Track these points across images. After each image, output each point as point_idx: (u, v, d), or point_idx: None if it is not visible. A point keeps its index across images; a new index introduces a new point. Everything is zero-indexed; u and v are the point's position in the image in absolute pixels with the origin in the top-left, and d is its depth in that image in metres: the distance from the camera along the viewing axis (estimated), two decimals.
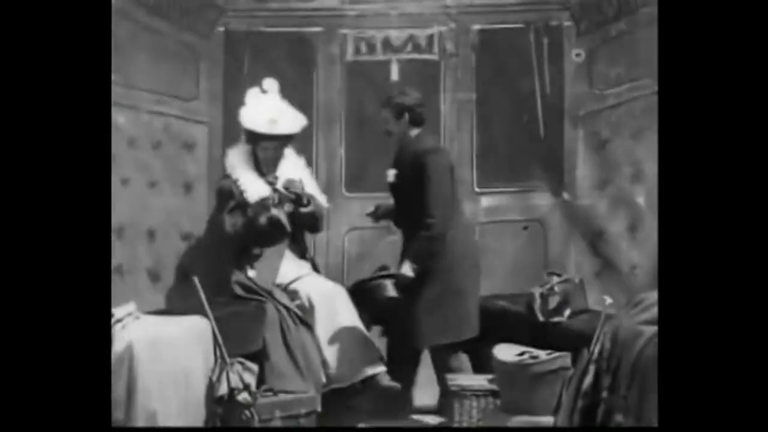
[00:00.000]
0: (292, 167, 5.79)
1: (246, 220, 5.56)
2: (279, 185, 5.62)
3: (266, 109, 5.67)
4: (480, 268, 5.70)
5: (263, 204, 5.56)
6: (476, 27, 6.42)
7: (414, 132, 5.61)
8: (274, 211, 5.55)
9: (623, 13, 6.31)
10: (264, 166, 5.70)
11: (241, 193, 5.60)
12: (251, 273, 5.59)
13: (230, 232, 5.59)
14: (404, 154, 5.60)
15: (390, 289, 5.50)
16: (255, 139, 5.67)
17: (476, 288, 5.65)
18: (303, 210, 5.63)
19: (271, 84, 5.71)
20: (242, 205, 5.59)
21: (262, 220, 5.54)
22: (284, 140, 5.71)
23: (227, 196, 5.63)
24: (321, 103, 6.36)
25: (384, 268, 5.70)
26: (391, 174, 5.63)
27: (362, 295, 5.62)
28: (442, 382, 5.55)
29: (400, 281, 5.48)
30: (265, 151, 5.68)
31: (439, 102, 6.43)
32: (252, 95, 5.70)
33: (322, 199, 5.82)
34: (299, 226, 5.74)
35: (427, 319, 5.49)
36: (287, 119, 5.70)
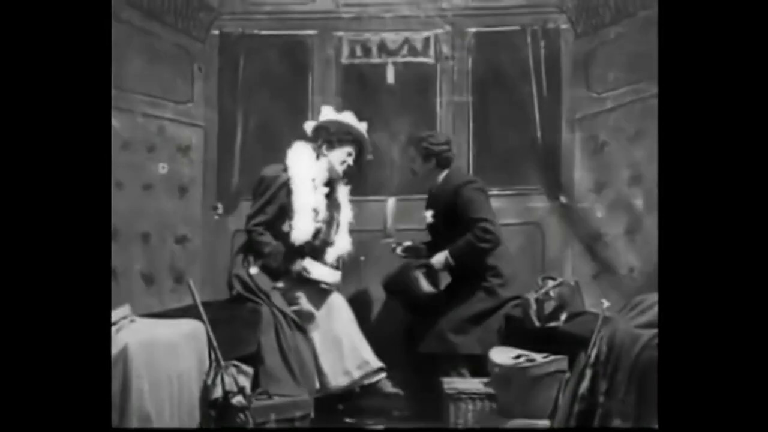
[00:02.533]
0: (343, 197, 5.86)
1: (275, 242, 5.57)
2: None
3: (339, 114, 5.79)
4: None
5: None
6: (472, 30, 6.41)
7: (442, 174, 5.74)
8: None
9: (621, 16, 6.29)
10: (324, 178, 5.70)
11: (290, 193, 5.57)
12: (253, 271, 5.57)
13: (254, 237, 5.59)
14: (437, 195, 5.75)
15: (424, 284, 5.58)
16: (342, 137, 5.71)
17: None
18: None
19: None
20: (284, 206, 5.56)
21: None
22: (360, 146, 5.80)
23: (272, 191, 5.59)
24: (316, 106, 6.32)
25: (411, 249, 5.81)
26: (429, 215, 5.77)
27: (396, 290, 5.69)
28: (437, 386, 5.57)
29: (430, 272, 5.60)
30: (342, 162, 5.73)
31: (435, 105, 6.42)
32: (324, 110, 5.82)
33: (345, 244, 5.89)
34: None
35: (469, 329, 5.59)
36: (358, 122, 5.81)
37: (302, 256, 5.62)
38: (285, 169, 5.59)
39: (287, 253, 5.57)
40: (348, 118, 5.75)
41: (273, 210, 5.54)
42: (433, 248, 5.77)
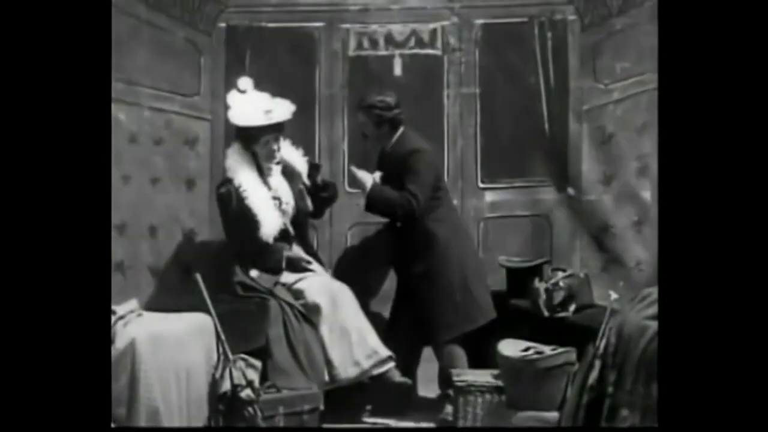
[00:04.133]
0: (295, 158, 5.80)
1: (254, 245, 5.57)
2: (279, 179, 5.66)
3: (254, 103, 5.64)
4: (478, 255, 5.95)
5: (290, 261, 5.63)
6: (479, 21, 6.39)
7: (395, 134, 5.70)
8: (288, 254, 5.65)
9: (628, 7, 6.28)
10: (265, 162, 5.66)
11: (243, 200, 5.55)
12: (254, 273, 5.57)
13: (236, 249, 5.60)
14: (388, 156, 5.73)
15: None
16: (253, 136, 5.61)
17: (481, 275, 5.78)
18: (323, 195, 5.79)
19: (246, 82, 5.69)
20: (246, 213, 5.54)
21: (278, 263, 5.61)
22: (280, 130, 5.67)
23: (227, 203, 5.59)
24: (323, 98, 6.33)
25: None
26: (377, 176, 5.72)
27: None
28: (443, 376, 5.57)
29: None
30: (266, 145, 5.63)
31: (443, 97, 6.40)
32: (233, 97, 5.67)
33: None
34: (311, 213, 5.83)
35: (440, 313, 5.61)
36: (280, 107, 5.67)
37: (289, 243, 5.69)
38: (230, 181, 5.59)
39: (276, 248, 5.60)
40: (252, 118, 5.61)
41: (237, 221, 5.56)
42: None
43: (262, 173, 5.65)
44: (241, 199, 5.53)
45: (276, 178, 5.70)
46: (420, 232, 5.65)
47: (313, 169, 5.80)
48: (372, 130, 5.74)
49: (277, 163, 5.68)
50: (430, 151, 5.72)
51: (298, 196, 5.76)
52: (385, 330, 5.70)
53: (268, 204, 5.59)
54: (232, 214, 5.56)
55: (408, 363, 5.66)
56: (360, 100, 5.80)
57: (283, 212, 5.66)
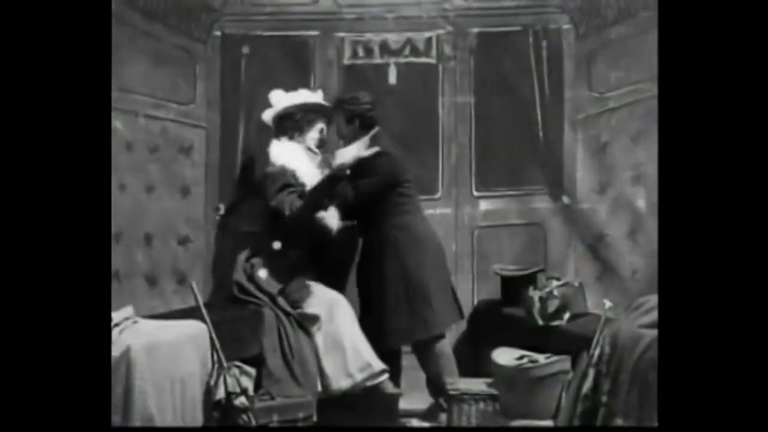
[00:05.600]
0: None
1: (307, 202, 5.57)
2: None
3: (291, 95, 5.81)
4: (446, 266, 5.84)
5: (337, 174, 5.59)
6: (474, 30, 6.40)
7: (366, 136, 5.68)
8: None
9: (623, 17, 6.29)
10: (313, 147, 5.79)
11: (294, 175, 5.61)
12: (262, 274, 5.57)
13: (286, 212, 5.57)
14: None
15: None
16: (298, 115, 5.75)
17: (442, 280, 5.72)
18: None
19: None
20: (296, 187, 5.59)
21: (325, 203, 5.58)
22: (328, 116, 5.80)
23: (278, 178, 5.62)
24: None
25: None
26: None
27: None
28: (431, 385, 5.57)
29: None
30: (310, 123, 5.76)
31: (438, 105, 6.41)
32: (274, 96, 5.81)
33: None
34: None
35: (393, 318, 5.57)
36: (315, 95, 5.86)
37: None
38: (283, 166, 5.64)
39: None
40: (306, 96, 5.81)
41: (294, 208, 5.57)
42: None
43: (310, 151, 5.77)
44: (297, 184, 5.60)
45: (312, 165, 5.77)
46: (377, 236, 5.64)
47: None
48: (344, 128, 5.73)
49: (321, 148, 5.80)
50: (394, 156, 5.68)
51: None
52: None
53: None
54: (286, 197, 5.58)
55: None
56: (334, 99, 5.82)
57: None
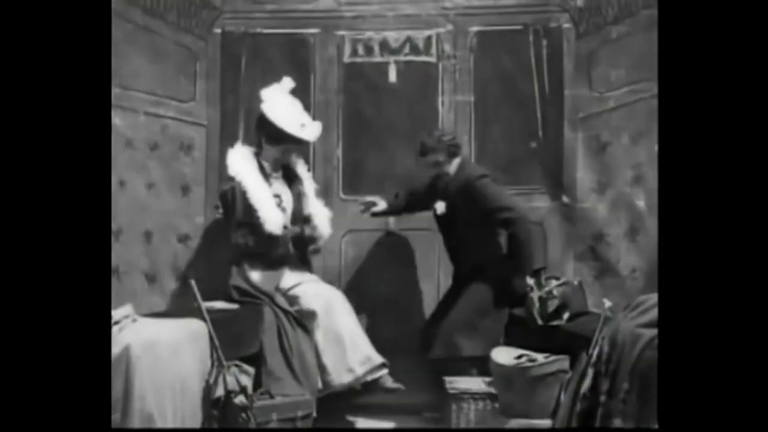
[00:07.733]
0: (300, 169, 5.92)
1: (258, 239, 5.59)
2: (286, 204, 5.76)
3: (293, 110, 5.74)
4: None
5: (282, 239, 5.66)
6: (474, 29, 6.41)
7: (454, 163, 5.79)
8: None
9: (623, 15, 6.28)
10: (271, 168, 5.75)
11: (247, 199, 5.58)
12: (256, 276, 5.58)
13: (240, 244, 5.61)
14: (450, 186, 5.79)
15: None
16: (279, 139, 5.70)
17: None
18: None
19: (288, 83, 5.76)
20: (249, 213, 5.57)
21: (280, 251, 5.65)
22: (300, 145, 5.81)
23: (231, 202, 5.62)
24: (318, 104, 6.34)
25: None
26: (441, 206, 5.82)
27: None
28: (439, 383, 5.58)
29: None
30: (284, 153, 5.76)
31: (437, 104, 6.42)
32: (272, 92, 5.74)
33: (323, 212, 5.91)
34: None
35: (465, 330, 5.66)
36: (312, 126, 5.80)
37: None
38: (233, 178, 5.64)
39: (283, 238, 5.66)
40: (290, 125, 5.72)
41: (241, 217, 5.58)
42: (449, 240, 5.94)
43: (264, 173, 5.69)
44: (244, 197, 5.57)
45: (274, 177, 5.77)
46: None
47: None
48: (445, 162, 5.79)
49: (282, 167, 5.79)
50: (490, 178, 5.79)
51: (296, 198, 5.78)
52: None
53: (268, 200, 5.62)
54: (236, 211, 5.59)
55: None
56: (432, 140, 5.82)
57: (283, 210, 5.68)
